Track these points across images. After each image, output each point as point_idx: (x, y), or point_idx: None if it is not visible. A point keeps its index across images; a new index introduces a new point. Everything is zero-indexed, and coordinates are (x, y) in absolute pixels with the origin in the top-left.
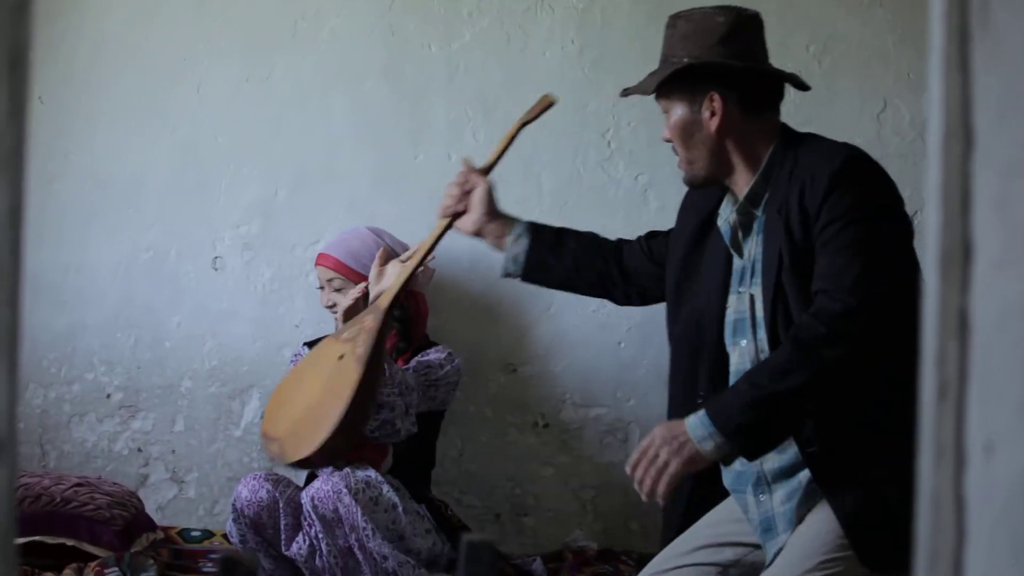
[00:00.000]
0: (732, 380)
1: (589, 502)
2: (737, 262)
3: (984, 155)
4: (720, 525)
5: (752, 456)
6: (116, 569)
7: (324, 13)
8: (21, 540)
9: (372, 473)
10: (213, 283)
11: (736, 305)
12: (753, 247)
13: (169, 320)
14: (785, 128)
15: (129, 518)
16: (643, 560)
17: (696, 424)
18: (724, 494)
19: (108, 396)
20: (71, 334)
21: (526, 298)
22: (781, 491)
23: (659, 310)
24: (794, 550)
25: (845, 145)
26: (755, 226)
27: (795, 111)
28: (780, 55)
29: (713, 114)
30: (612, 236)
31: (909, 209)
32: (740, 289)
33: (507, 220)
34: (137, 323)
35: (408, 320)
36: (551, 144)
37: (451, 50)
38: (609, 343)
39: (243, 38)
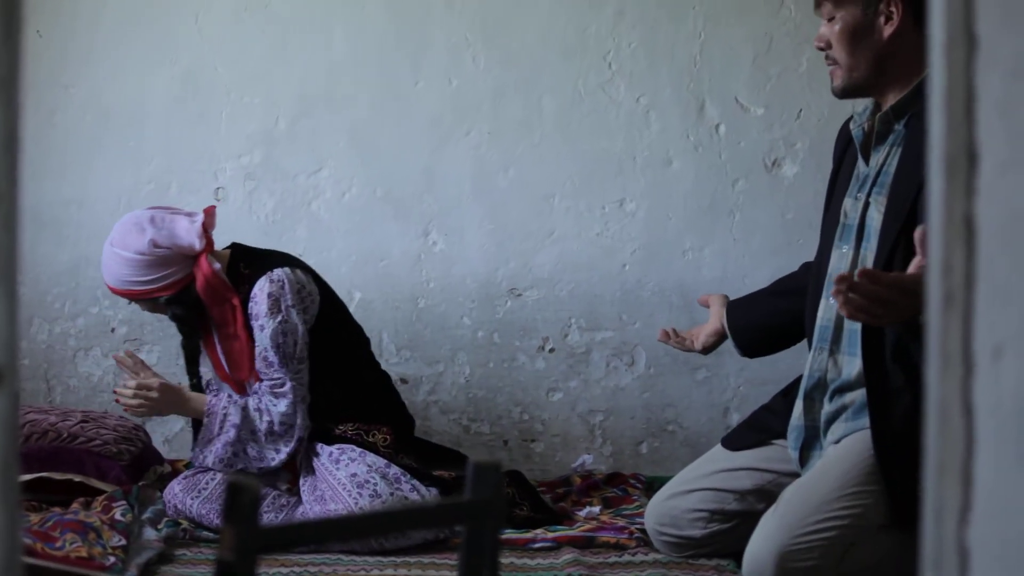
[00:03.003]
0: (825, 286)
1: (597, 426)
2: (862, 167)
3: (987, 58)
4: (742, 455)
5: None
6: (124, 503)
7: None
8: (28, 476)
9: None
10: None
11: (849, 209)
12: (883, 157)
13: None
14: None
15: (136, 452)
16: (652, 483)
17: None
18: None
19: (112, 330)
20: (74, 268)
21: (529, 222)
22: (834, 404)
23: (664, 232)
24: (822, 477)
25: None
26: (891, 138)
27: (795, 30)
28: None
29: (888, 19)
30: (613, 159)
31: None
32: (858, 194)
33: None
34: None
35: (191, 312)
36: (552, 67)
37: None
38: (613, 266)
39: None
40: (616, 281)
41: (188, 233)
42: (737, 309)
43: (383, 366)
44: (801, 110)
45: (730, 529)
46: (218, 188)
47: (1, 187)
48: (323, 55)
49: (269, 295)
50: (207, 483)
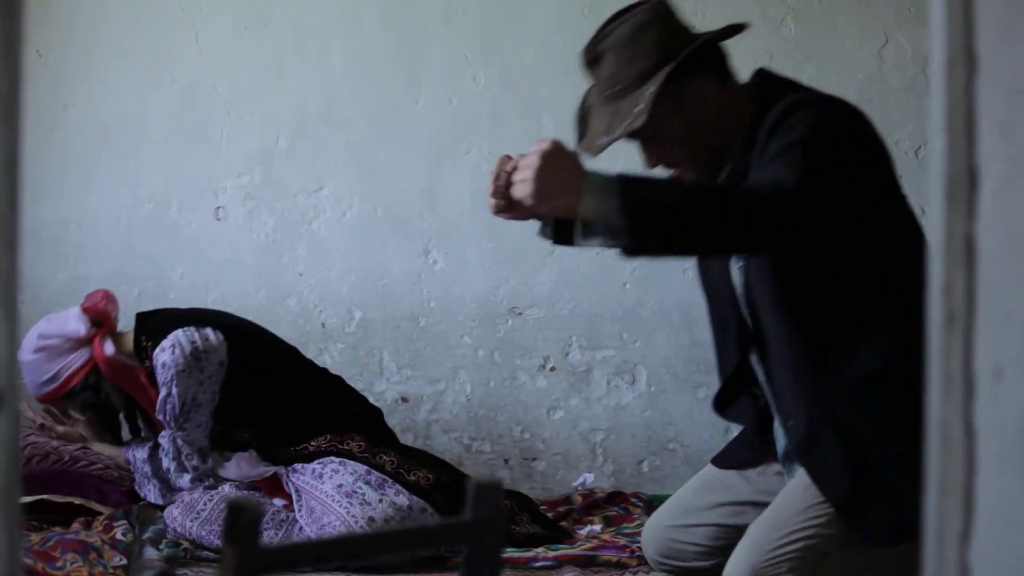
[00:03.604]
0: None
1: (598, 445)
2: None
3: (988, 80)
4: (742, 486)
5: (637, 248)
6: (125, 523)
7: None
8: (29, 498)
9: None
10: (215, 233)
11: (736, 279)
12: None
13: (172, 271)
14: (763, 81)
15: None
16: (654, 502)
17: (597, 178)
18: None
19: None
20: (74, 287)
21: (530, 240)
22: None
23: None
24: (789, 495)
25: (807, 90)
26: None
27: (795, 49)
28: None
29: (704, 103)
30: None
31: (912, 144)
32: (736, 263)
33: None
34: (140, 275)
35: (103, 399)
36: (551, 85)
37: None
38: (614, 284)
39: None
40: (616, 300)
41: (76, 320)
42: None
43: (383, 386)
44: None
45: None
46: (218, 207)
47: (1, 208)
48: (323, 73)
49: (163, 364)
50: (204, 504)
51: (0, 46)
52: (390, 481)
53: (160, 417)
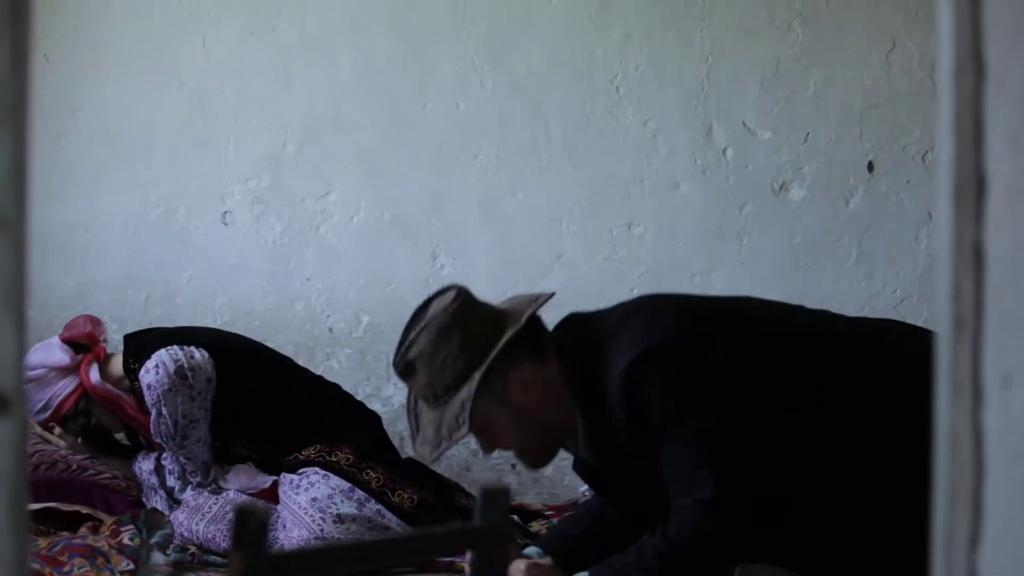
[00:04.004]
0: None
1: None
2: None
3: (996, 86)
4: None
5: None
6: (132, 527)
7: None
8: (36, 506)
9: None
10: (223, 238)
11: None
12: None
13: (180, 276)
14: (564, 353)
15: None
16: None
17: None
18: None
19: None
20: (81, 292)
21: (537, 245)
22: None
23: (672, 256)
24: None
25: (615, 353)
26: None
27: (802, 54)
28: None
29: (525, 389)
30: (621, 183)
31: (919, 149)
32: None
33: None
34: (148, 279)
35: (98, 425)
36: (559, 91)
37: None
38: (621, 289)
39: None
40: None
41: (59, 350)
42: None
43: (391, 391)
44: (809, 134)
45: None
46: (225, 212)
47: (10, 214)
48: (330, 78)
49: (148, 386)
50: (211, 507)
51: (8, 51)
52: (373, 500)
53: (158, 440)
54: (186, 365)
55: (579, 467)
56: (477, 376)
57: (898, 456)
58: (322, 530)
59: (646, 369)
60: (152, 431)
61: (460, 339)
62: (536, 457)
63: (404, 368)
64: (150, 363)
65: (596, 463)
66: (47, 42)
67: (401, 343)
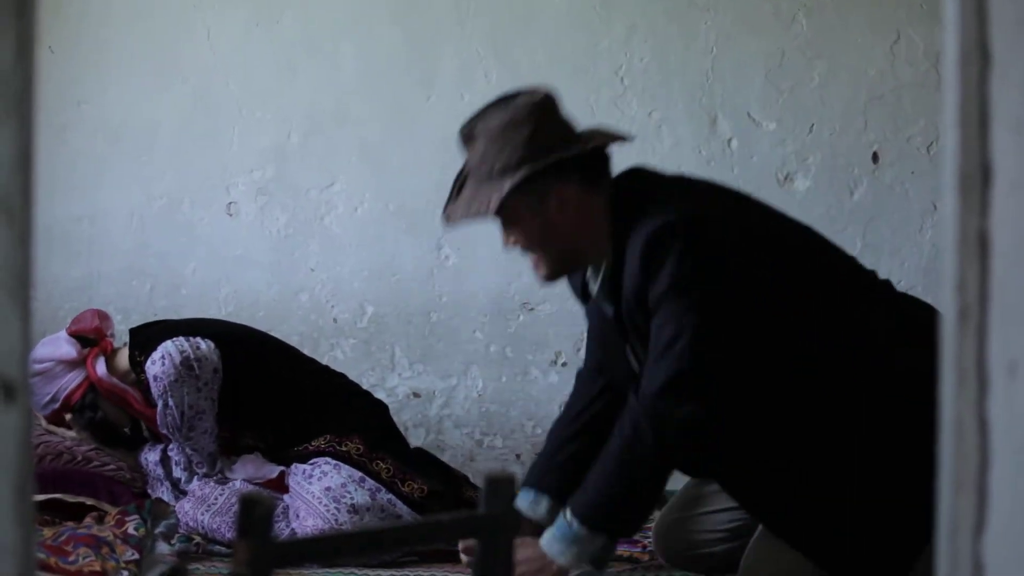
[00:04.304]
0: None
1: None
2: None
3: (1001, 75)
4: None
5: (630, 534)
6: (137, 517)
7: None
8: (42, 496)
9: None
10: (227, 229)
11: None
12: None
13: (184, 267)
14: (614, 193)
15: None
16: (666, 496)
17: (554, 537)
18: None
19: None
20: (86, 284)
21: None
22: None
23: None
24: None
25: (671, 197)
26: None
27: (807, 45)
28: None
29: (562, 207)
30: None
31: (924, 140)
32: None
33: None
34: (152, 271)
35: (104, 418)
36: (564, 82)
37: None
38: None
39: None
40: None
41: (66, 344)
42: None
43: (395, 381)
44: (813, 124)
45: (746, 545)
46: (230, 203)
47: (15, 204)
48: (334, 70)
49: (155, 377)
50: (216, 497)
51: (13, 43)
52: (384, 490)
53: (164, 431)
54: (192, 356)
55: (587, 310)
56: (523, 172)
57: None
58: (337, 519)
59: (674, 234)
60: (158, 422)
61: (527, 133)
62: (548, 270)
63: (467, 135)
64: (156, 355)
65: (602, 312)
66: (52, 34)
67: (476, 113)
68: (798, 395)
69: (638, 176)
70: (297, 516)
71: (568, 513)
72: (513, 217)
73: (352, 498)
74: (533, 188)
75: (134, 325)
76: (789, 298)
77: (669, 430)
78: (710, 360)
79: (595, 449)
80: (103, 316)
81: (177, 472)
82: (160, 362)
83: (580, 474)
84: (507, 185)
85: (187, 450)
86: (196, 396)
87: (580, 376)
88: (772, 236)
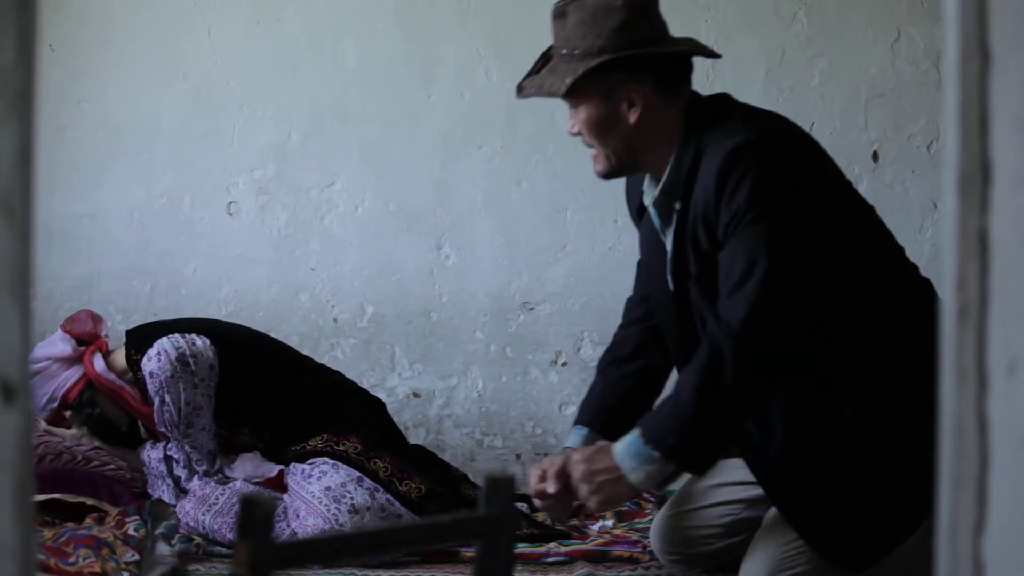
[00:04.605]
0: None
1: None
2: (668, 246)
3: (1002, 74)
4: (740, 467)
5: (702, 470)
6: (137, 518)
7: None
8: (41, 497)
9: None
10: (228, 228)
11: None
12: (675, 237)
13: (185, 266)
14: (693, 106)
15: None
16: (666, 497)
17: (628, 451)
18: None
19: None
20: (87, 283)
21: (542, 235)
22: None
23: None
24: (765, 535)
25: (751, 121)
26: (675, 218)
27: (808, 43)
28: None
29: (632, 105)
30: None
31: (924, 139)
32: (669, 277)
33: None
34: (153, 270)
35: (102, 415)
36: None
37: None
38: (626, 280)
39: None
40: (628, 295)
41: (61, 342)
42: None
43: (395, 381)
44: (814, 123)
45: (743, 541)
46: (230, 202)
47: (16, 202)
48: (335, 69)
49: (151, 374)
50: (217, 497)
51: (14, 41)
52: (381, 490)
53: (162, 429)
54: (188, 352)
55: (640, 227)
56: (602, 59)
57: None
58: (337, 520)
59: (754, 153)
60: (156, 420)
61: (617, 23)
62: (604, 166)
63: (559, 12)
64: (152, 351)
65: (652, 227)
66: (53, 32)
67: None
68: (842, 346)
69: (721, 98)
70: (297, 516)
71: (641, 433)
72: (581, 101)
73: (352, 498)
74: (608, 78)
75: (134, 324)
76: (844, 247)
77: (746, 364)
78: (782, 298)
79: (642, 382)
80: (97, 318)
81: (178, 470)
82: (156, 358)
83: (630, 413)
84: (582, 69)
85: (186, 447)
86: (193, 392)
87: (629, 303)
88: (842, 184)
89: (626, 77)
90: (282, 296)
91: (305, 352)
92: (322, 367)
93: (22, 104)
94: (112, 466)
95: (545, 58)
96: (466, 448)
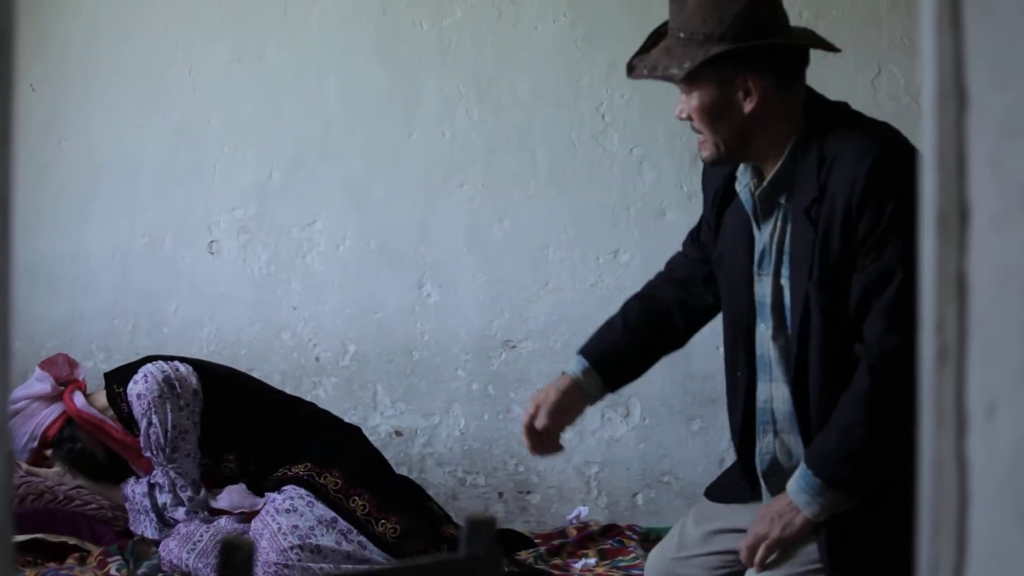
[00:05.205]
0: (758, 360)
1: (593, 478)
2: (758, 237)
3: (979, 114)
4: (736, 514)
5: (870, 492)
6: (119, 558)
7: None
8: (23, 537)
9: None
10: (210, 267)
11: (757, 286)
12: (776, 230)
13: (167, 305)
14: (813, 100)
15: None
16: (648, 534)
17: (800, 487)
18: None
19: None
20: (69, 322)
21: (524, 273)
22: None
23: None
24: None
25: (881, 131)
26: (779, 213)
27: None
28: None
29: (748, 95)
30: (607, 210)
31: None
32: (761, 272)
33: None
34: (134, 309)
35: (83, 449)
36: (545, 118)
37: (443, 27)
38: (608, 317)
39: (234, 19)
40: None
41: (39, 381)
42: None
43: (377, 420)
44: None
45: None
46: (212, 241)
47: None
48: (316, 107)
49: (138, 396)
50: (201, 536)
51: None
52: (355, 532)
53: (148, 454)
54: (173, 376)
55: (715, 207)
56: (723, 48)
57: None
58: (298, 557)
59: (904, 164)
60: (142, 444)
61: (740, 8)
62: (712, 153)
63: None
64: (138, 375)
65: (744, 217)
66: (33, 72)
67: None
68: None
69: (842, 104)
70: (257, 538)
71: (811, 467)
72: (695, 87)
73: (317, 540)
74: (726, 66)
75: (116, 363)
76: None
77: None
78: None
79: (659, 342)
80: (73, 363)
81: (163, 497)
82: (143, 380)
83: (635, 358)
84: (702, 55)
85: (171, 473)
86: (179, 415)
87: (674, 261)
88: None
89: (745, 66)
90: (264, 335)
91: (287, 391)
92: (294, 398)
93: (1, 150)
94: (94, 505)
95: (656, 36)
96: (448, 486)
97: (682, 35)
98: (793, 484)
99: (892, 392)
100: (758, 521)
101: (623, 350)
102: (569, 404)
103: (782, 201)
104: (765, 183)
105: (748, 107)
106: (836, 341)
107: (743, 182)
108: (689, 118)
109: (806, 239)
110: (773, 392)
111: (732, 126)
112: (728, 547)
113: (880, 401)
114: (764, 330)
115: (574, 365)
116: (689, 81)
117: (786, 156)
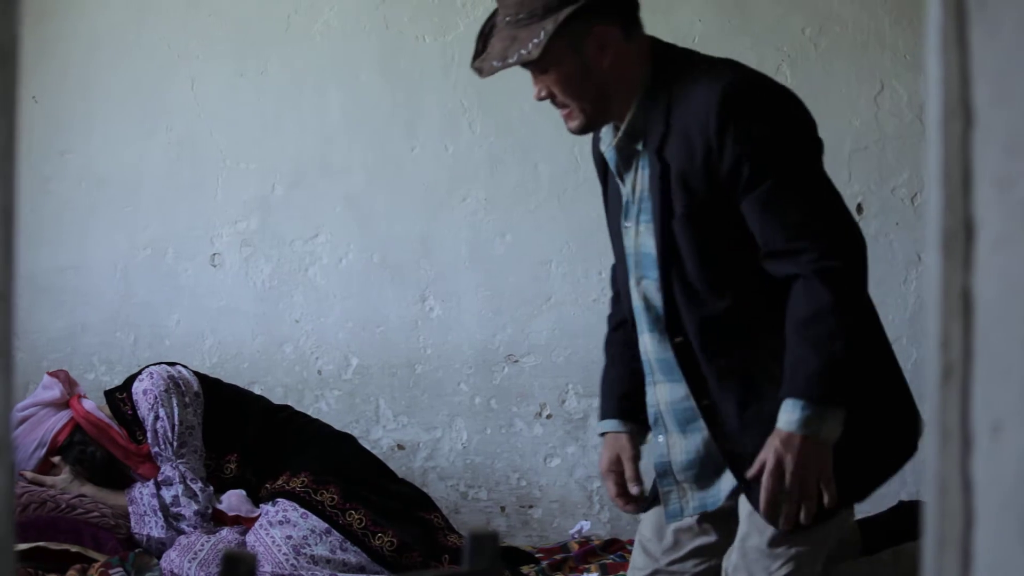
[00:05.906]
0: (637, 315)
1: (595, 492)
2: (624, 191)
3: (984, 132)
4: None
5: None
6: (120, 569)
7: (317, 6)
8: (25, 545)
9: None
10: (212, 280)
11: (625, 239)
12: (637, 180)
13: (168, 318)
14: (657, 46)
15: None
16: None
17: (799, 420)
18: None
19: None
20: (70, 335)
21: (526, 288)
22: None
23: None
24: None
25: (728, 64)
26: (638, 161)
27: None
28: (776, 37)
29: (602, 48)
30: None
31: (908, 191)
32: (626, 223)
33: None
34: (136, 322)
35: (93, 453)
36: (547, 132)
37: (445, 41)
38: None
39: (236, 33)
40: None
41: (48, 388)
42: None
43: (380, 433)
44: None
45: None
46: (214, 254)
47: None
48: (319, 121)
49: (144, 392)
50: (202, 546)
51: None
52: (349, 543)
53: (156, 449)
54: (176, 376)
55: (600, 162)
56: (567, 11)
57: None
58: (294, 567)
59: (756, 97)
60: (149, 440)
61: None
62: (580, 121)
63: None
64: (143, 375)
65: (615, 179)
66: (36, 84)
67: None
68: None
69: (688, 49)
70: (251, 550)
71: (798, 397)
72: (550, 61)
73: (312, 550)
74: (573, 29)
75: (118, 375)
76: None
77: (836, 278)
78: (840, 210)
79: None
80: (72, 382)
81: (171, 491)
82: (148, 378)
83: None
84: (551, 25)
85: (181, 468)
86: (184, 411)
87: (613, 270)
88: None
89: (591, 22)
90: (266, 348)
91: (290, 403)
92: (290, 407)
93: (5, 159)
94: (96, 513)
95: (485, 37)
96: (451, 500)
97: (521, 16)
98: (794, 422)
99: (848, 289)
100: (769, 459)
101: (628, 386)
102: (628, 447)
103: (639, 148)
104: (620, 133)
105: (606, 61)
106: (708, 277)
107: (607, 141)
108: (550, 96)
109: (662, 178)
110: (647, 344)
111: (596, 86)
112: (697, 544)
113: (842, 303)
114: (633, 284)
115: (604, 426)
116: (543, 57)
117: (638, 102)
